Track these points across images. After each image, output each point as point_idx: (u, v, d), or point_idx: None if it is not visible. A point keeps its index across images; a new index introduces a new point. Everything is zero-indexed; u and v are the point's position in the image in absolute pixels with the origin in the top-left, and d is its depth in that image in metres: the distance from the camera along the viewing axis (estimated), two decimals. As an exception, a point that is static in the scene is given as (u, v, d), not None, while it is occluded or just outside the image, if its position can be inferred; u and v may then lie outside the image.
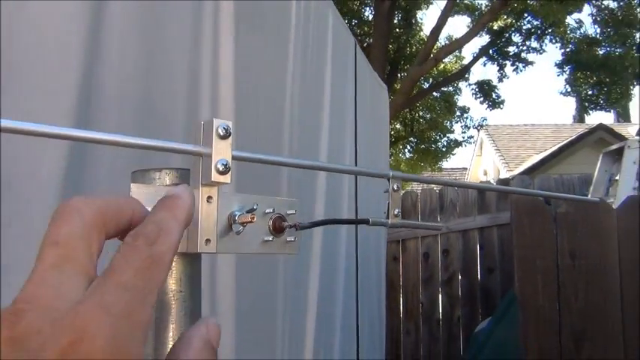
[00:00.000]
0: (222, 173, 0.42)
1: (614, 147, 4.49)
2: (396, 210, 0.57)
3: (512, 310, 3.16)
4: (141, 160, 1.08)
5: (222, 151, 0.43)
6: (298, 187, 1.97)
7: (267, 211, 0.49)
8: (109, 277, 0.29)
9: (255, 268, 1.67)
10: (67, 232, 0.30)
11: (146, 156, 0.99)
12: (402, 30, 11.92)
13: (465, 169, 17.90)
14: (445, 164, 14.73)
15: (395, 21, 10.85)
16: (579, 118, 27.64)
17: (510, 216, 1.94)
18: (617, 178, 4.13)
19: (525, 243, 1.87)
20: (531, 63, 11.78)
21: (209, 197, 0.43)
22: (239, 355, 1.42)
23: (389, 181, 0.56)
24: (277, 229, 0.49)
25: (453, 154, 13.78)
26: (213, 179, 0.42)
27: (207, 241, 0.43)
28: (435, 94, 12.65)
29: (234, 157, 0.43)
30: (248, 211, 0.47)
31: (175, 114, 1.35)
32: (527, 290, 1.84)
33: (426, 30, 12.80)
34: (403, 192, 5.02)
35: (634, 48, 11.37)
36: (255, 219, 0.45)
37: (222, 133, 0.43)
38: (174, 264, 0.44)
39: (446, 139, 13.57)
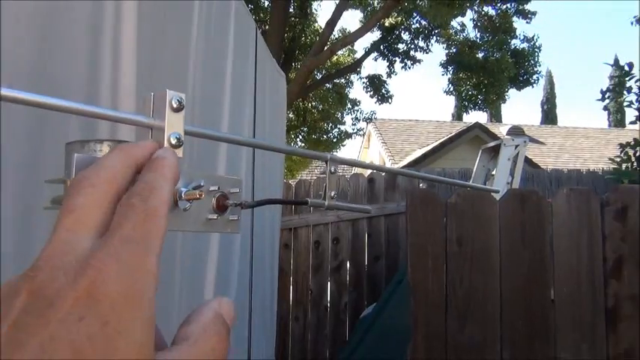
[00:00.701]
0: (174, 147, 0.41)
1: (491, 144, 4.86)
2: (332, 192, 0.58)
3: (397, 295, 3.33)
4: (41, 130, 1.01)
5: (175, 124, 0.41)
6: (199, 162, 1.94)
7: (212, 188, 0.48)
8: (112, 233, 0.31)
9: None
10: (82, 202, 0.32)
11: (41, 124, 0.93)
12: (297, 19, 11.98)
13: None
14: (335, 154, 15.04)
15: (290, 10, 10.87)
16: (457, 116, 29.53)
17: (405, 205, 2.05)
18: (493, 172, 4.48)
19: (418, 231, 1.97)
20: (419, 61, 12.35)
21: (158, 171, 0.42)
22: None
23: (326, 163, 0.58)
24: (221, 208, 0.48)
25: (344, 145, 14.15)
26: (165, 153, 0.40)
27: (155, 217, 0.42)
28: (327, 85, 12.87)
29: (186, 132, 0.42)
30: (195, 188, 0.45)
31: (73, 86, 1.27)
32: (419, 275, 1.95)
33: (321, 21, 12.98)
34: (296, 181, 5.07)
35: (509, 53, 12.32)
36: (203, 196, 0.44)
37: (175, 106, 0.41)
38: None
39: (337, 130, 13.88)
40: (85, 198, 0.33)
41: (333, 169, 0.58)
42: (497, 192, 2.04)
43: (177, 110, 0.41)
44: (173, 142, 0.41)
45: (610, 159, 5.81)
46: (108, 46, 1.38)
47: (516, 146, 4.34)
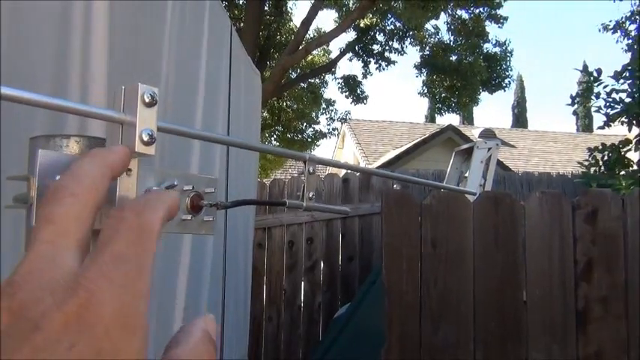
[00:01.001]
0: (146, 144, 0.38)
1: (464, 147, 4.90)
2: (311, 193, 0.56)
3: (370, 296, 3.34)
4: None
5: (147, 120, 0.39)
6: (172, 159, 1.90)
7: (186, 188, 0.45)
8: (104, 248, 0.29)
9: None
10: (61, 213, 0.30)
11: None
12: (272, 18, 11.93)
13: (327, 160, 18.42)
14: (314, 154, 15.03)
15: (265, 8, 10.82)
16: (430, 118, 29.82)
17: (380, 206, 2.04)
18: (466, 175, 4.52)
19: (393, 232, 1.97)
20: (393, 62, 12.42)
21: (128, 170, 0.39)
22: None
23: (305, 163, 0.56)
24: (195, 208, 0.46)
25: (318, 145, 14.10)
26: (137, 150, 0.38)
27: (125, 218, 0.39)
28: (302, 84, 12.85)
29: (159, 129, 0.40)
30: (167, 187, 0.43)
31: (40, 80, 1.23)
32: (393, 277, 1.95)
33: (296, 20, 12.95)
34: (270, 180, 5.04)
35: (481, 57, 12.48)
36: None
37: (147, 100, 0.39)
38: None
39: (311, 129, 13.86)
40: (65, 208, 0.31)
41: (312, 169, 0.56)
42: (473, 194, 2.05)
43: (149, 105, 0.39)
44: (145, 138, 0.38)
45: (579, 163, 5.92)
46: (78, 40, 1.34)
47: (489, 149, 4.38)
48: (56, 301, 0.26)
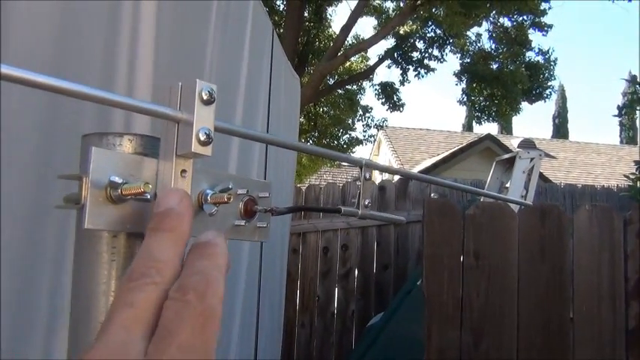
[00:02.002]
0: (203, 144, 0.36)
1: (505, 157, 4.78)
2: (367, 200, 0.53)
3: (405, 305, 3.28)
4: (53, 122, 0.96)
5: (204, 119, 0.36)
6: (210, 157, 1.90)
7: (240, 192, 0.43)
8: (168, 339, 0.28)
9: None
10: (142, 299, 0.30)
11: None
12: (312, 24, 11.96)
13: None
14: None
15: (305, 14, 10.86)
16: (468, 127, 29.39)
17: (422, 215, 1.99)
18: (507, 185, 4.41)
19: (434, 241, 1.92)
20: (432, 70, 12.29)
21: (183, 171, 0.37)
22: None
23: (361, 169, 0.53)
24: (248, 213, 0.44)
25: (353, 152, 14.05)
26: (193, 150, 0.35)
27: (178, 221, 0.37)
28: (339, 91, 12.83)
29: (216, 129, 0.37)
30: (222, 191, 0.41)
31: (89, 80, 1.23)
32: (434, 287, 1.90)
33: (335, 27, 12.96)
34: (306, 186, 5.03)
35: (523, 66, 12.24)
36: (232, 200, 0.40)
37: (205, 97, 0.36)
38: (131, 247, 0.37)
39: (347, 136, 13.83)
40: (146, 295, 0.30)
41: (367, 176, 0.53)
42: (528, 205, 1.98)
43: (207, 103, 0.37)
44: (202, 138, 0.36)
45: (625, 176, 5.72)
46: (125, 45, 1.35)
47: (531, 159, 4.26)
48: None
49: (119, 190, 0.35)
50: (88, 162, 0.34)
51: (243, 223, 0.43)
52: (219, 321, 0.30)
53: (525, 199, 4.16)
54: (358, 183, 0.53)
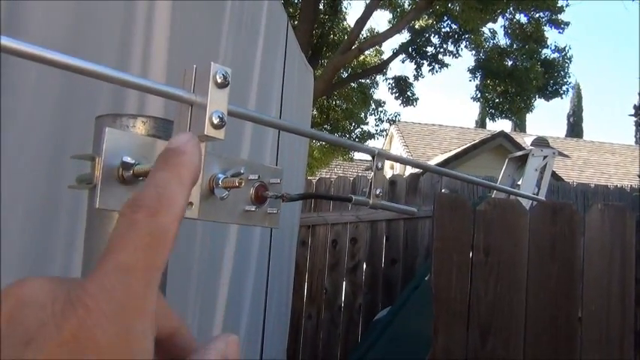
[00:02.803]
0: (216, 127, 0.36)
1: (518, 154, 4.75)
2: (378, 190, 0.53)
3: (412, 300, 3.27)
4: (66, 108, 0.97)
5: (218, 102, 0.36)
6: (222, 145, 1.90)
7: (252, 177, 0.43)
8: (108, 257, 0.25)
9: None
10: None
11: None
12: (327, 17, 11.92)
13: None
14: (357, 155, 15.00)
15: (320, 7, 10.82)
16: (481, 123, 29.20)
17: (433, 210, 1.99)
18: (519, 183, 4.38)
19: (444, 236, 1.91)
20: (447, 65, 12.21)
21: (195, 154, 0.37)
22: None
23: (373, 158, 0.53)
24: (259, 199, 0.44)
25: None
26: (206, 132, 0.35)
27: (190, 203, 0.37)
28: (352, 84, 12.79)
29: (229, 112, 0.37)
30: (234, 175, 0.41)
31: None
32: (442, 283, 1.89)
33: (350, 20, 12.90)
34: (317, 178, 5.03)
35: (538, 63, 12.12)
36: (243, 184, 0.40)
37: (219, 81, 0.36)
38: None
39: (359, 129, 13.80)
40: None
41: (380, 165, 0.53)
42: (542, 200, 1.96)
43: (221, 86, 0.37)
44: (215, 121, 0.36)
45: (638, 176, 5.66)
46: (139, 36, 1.35)
47: (544, 157, 4.23)
48: (55, 314, 0.23)
49: (131, 171, 0.35)
50: (101, 142, 0.35)
51: (253, 208, 0.43)
52: (172, 240, 0.27)
53: (537, 197, 4.14)
54: (370, 173, 0.53)
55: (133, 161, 0.35)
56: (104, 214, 0.37)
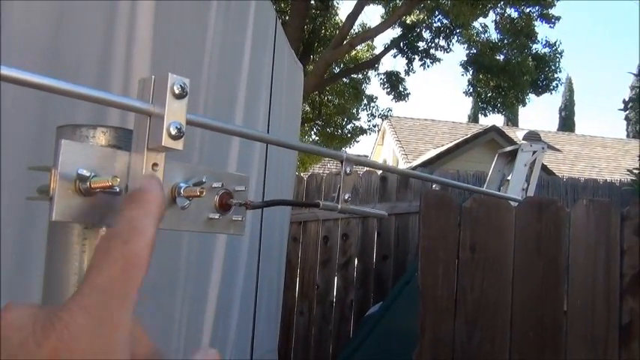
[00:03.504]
0: (174, 138, 0.36)
1: (508, 149, 4.77)
2: (347, 195, 0.53)
3: (404, 296, 3.29)
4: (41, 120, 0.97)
5: (176, 113, 0.36)
6: (209, 155, 1.90)
7: (215, 185, 0.43)
8: (87, 279, 0.28)
9: (158, 243, 1.58)
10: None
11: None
12: (318, 12, 11.90)
13: (367, 156, 18.38)
14: (349, 150, 15.00)
15: (311, 2, 10.80)
16: (474, 118, 29.27)
17: (419, 206, 1.99)
18: (508, 178, 4.40)
19: (431, 234, 1.92)
20: (438, 60, 12.23)
21: (154, 164, 0.37)
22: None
23: (342, 163, 0.53)
24: (224, 207, 0.44)
25: (357, 141, 14.06)
26: (163, 144, 0.36)
27: (150, 214, 0.37)
28: (344, 79, 12.79)
29: (188, 122, 0.38)
30: (195, 184, 0.41)
31: (85, 67, 1.23)
32: (429, 280, 1.90)
33: (341, 15, 12.88)
34: (308, 174, 5.03)
35: (530, 57, 12.16)
36: (204, 194, 0.40)
37: (177, 92, 0.36)
38: (97, 234, 0.38)
39: (351, 125, 13.80)
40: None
41: (349, 170, 0.53)
42: (517, 201, 1.97)
43: (179, 97, 0.37)
44: (173, 132, 0.36)
45: (628, 170, 5.71)
46: (123, 28, 1.35)
47: (534, 152, 4.25)
48: (35, 331, 0.25)
49: (88, 183, 0.35)
50: (57, 154, 0.35)
51: (217, 216, 0.44)
52: (145, 265, 0.30)
53: (526, 192, 4.16)
54: (337, 173, 0.53)
55: (88, 174, 0.35)
56: (64, 225, 0.37)
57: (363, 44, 12.75)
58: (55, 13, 1.10)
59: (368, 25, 13.17)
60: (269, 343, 3.44)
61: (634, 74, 6.31)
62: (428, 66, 12.22)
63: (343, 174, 0.53)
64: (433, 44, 12.12)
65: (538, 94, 12.79)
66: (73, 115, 1.04)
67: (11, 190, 0.89)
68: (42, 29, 1.06)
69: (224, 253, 2.16)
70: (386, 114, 14.01)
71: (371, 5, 12.19)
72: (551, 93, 12.84)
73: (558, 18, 12.09)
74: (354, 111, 13.59)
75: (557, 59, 12.63)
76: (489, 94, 12.31)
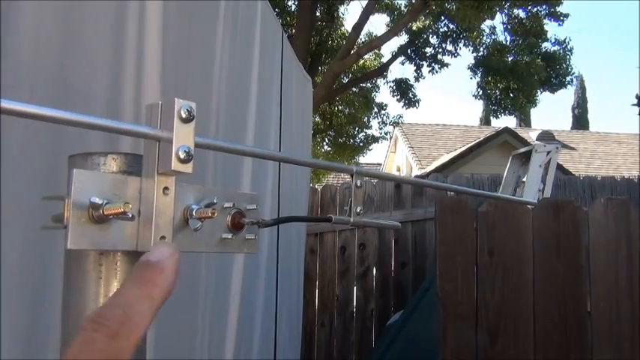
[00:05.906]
0: (183, 162, 0.37)
1: (522, 150, 4.72)
2: (358, 208, 0.53)
3: (424, 303, 3.26)
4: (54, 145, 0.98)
5: (184, 137, 0.37)
6: (223, 173, 1.91)
7: (227, 205, 0.44)
8: None
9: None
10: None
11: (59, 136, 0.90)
12: (324, 23, 11.96)
13: (380, 164, 18.35)
14: (362, 159, 14.99)
15: (317, 14, 10.86)
16: (485, 120, 29.11)
17: (435, 213, 1.98)
18: (523, 179, 4.36)
19: (448, 240, 1.91)
20: (446, 65, 12.21)
21: (165, 188, 0.38)
22: (157, 351, 1.35)
23: (352, 177, 0.53)
24: (236, 226, 0.44)
25: (370, 150, 14.02)
26: (173, 168, 0.36)
27: (162, 238, 0.38)
28: (353, 89, 12.81)
29: (196, 144, 0.38)
30: (207, 205, 0.41)
31: (95, 92, 1.25)
32: (448, 286, 1.89)
33: (347, 25, 12.94)
34: (322, 185, 5.03)
35: (539, 57, 12.09)
36: (216, 214, 0.40)
37: (184, 116, 0.37)
38: (119, 264, 0.38)
39: (363, 134, 13.80)
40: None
41: (359, 183, 0.53)
42: (533, 204, 1.96)
43: (186, 121, 0.37)
44: (182, 156, 0.37)
45: (645, 165, 5.62)
46: (132, 47, 1.36)
47: (548, 152, 4.21)
48: None
49: (101, 211, 0.35)
50: (70, 184, 0.35)
51: (230, 236, 0.44)
52: None
53: (543, 193, 4.12)
54: (350, 190, 0.53)
55: (101, 201, 0.35)
56: (80, 252, 0.38)
57: (370, 53, 12.77)
58: (63, 38, 1.11)
59: (374, 34, 13.20)
60: (291, 355, 3.43)
61: (646, 68, 6.24)
62: (436, 71, 12.20)
63: (354, 187, 0.53)
64: (440, 49, 12.11)
65: (552, 91, 12.69)
66: (86, 141, 1.05)
67: (27, 220, 0.90)
68: (50, 56, 1.07)
69: (242, 269, 2.16)
70: (397, 121, 13.99)
71: (377, 14, 12.23)
72: (566, 88, 12.74)
73: (567, 15, 12.02)
74: (365, 120, 13.59)
75: (568, 57, 12.54)
76: (499, 96, 12.24)
